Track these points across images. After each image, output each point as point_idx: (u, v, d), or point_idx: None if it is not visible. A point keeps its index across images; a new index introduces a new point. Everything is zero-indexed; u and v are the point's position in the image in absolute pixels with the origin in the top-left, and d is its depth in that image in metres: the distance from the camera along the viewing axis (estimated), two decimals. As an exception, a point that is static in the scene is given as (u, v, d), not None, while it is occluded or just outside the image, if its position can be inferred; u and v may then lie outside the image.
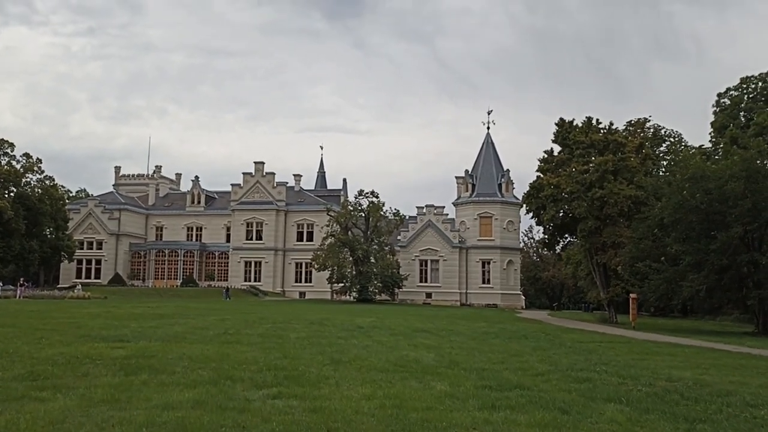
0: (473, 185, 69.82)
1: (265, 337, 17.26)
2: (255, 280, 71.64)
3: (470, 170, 71.00)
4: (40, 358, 11.58)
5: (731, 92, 56.06)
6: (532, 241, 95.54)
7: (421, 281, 68.45)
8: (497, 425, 7.44)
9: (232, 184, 75.67)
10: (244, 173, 75.32)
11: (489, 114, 75.90)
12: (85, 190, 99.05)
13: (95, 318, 22.80)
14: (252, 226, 73.62)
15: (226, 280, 71.63)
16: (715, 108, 57.34)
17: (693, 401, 9.51)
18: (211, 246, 75.52)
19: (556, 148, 44.36)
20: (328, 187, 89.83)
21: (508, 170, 70.55)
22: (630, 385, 10.76)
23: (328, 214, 63.51)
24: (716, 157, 44.43)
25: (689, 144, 59.16)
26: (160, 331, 17.75)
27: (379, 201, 62.92)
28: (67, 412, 7.36)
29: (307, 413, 7.67)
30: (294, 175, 78.86)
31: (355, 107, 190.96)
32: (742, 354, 18.52)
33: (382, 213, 62.57)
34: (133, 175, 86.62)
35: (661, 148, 59.02)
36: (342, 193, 78.76)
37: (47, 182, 63.28)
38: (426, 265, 68.94)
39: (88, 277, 72.52)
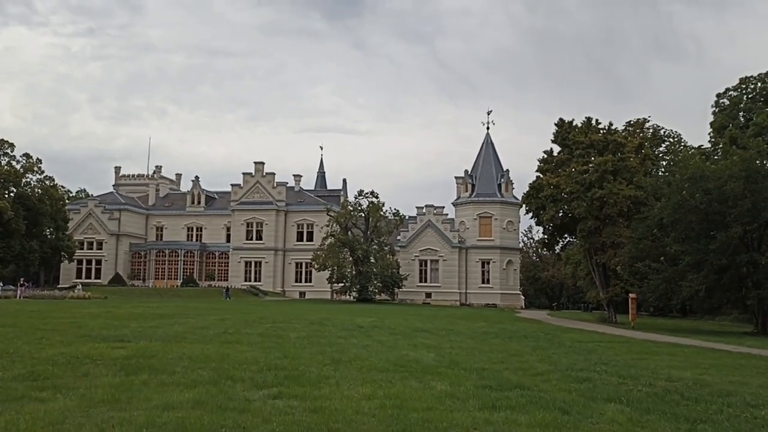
0: (473, 185, 69.83)
1: (266, 336, 17.26)
2: (255, 280, 71.64)
3: (470, 170, 71.02)
4: (40, 358, 11.58)
5: (730, 92, 56.05)
6: (531, 241, 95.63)
7: (420, 281, 68.46)
8: (498, 425, 7.44)
9: (232, 185, 75.67)
10: (244, 173, 75.32)
11: (489, 114, 76.17)
12: (85, 190, 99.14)
13: (95, 318, 22.80)
14: (252, 226, 73.62)
15: (227, 280, 71.63)
16: (714, 108, 57.34)
17: (693, 401, 9.51)
18: (211, 246, 75.53)
19: (556, 149, 44.37)
20: (328, 188, 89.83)
21: (507, 170, 70.59)
22: (630, 385, 10.77)
23: (328, 214, 63.51)
24: (715, 157, 44.45)
25: (689, 144, 59.20)
26: (161, 331, 17.75)
27: (379, 201, 62.97)
28: (67, 413, 7.36)
29: (307, 413, 7.67)
30: (294, 175, 78.95)
31: (355, 107, 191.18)
32: (741, 354, 18.53)
33: (381, 213, 62.58)
34: (133, 176, 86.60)
35: (661, 149, 59.00)
36: (342, 193, 78.76)
37: (47, 182, 63.26)
38: (426, 265, 68.95)
39: (88, 277, 72.49)
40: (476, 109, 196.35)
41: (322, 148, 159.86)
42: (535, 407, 8.48)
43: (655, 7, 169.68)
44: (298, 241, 73.46)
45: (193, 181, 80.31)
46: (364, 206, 62.97)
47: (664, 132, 61.50)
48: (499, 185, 69.41)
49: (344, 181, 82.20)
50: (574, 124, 43.38)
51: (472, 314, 41.12)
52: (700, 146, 54.71)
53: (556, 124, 43.90)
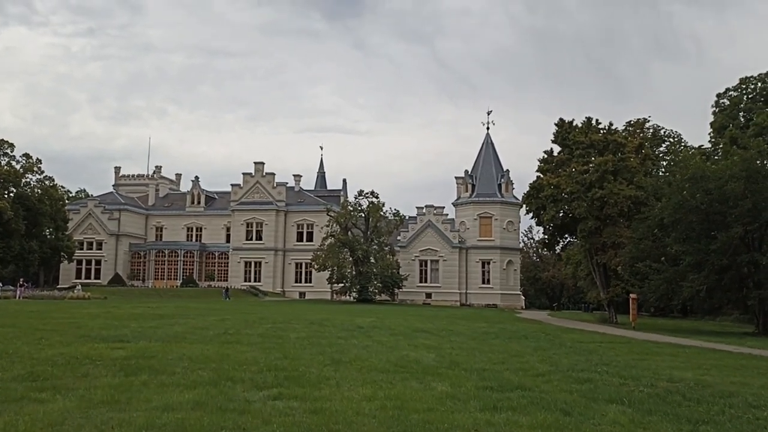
0: (473, 185, 69.82)
1: (265, 337, 17.23)
2: (255, 281, 71.61)
3: (470, 170, 71.01)
4: (39, 359, 11.54)
5: (731, 92, 56.02)
6: (531, 241, 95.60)
7: (420, 281, 68.44)
8: (499, 427, 7.41)
9: (232, 185, 75.65)
10: (244, 173, 75.32)
11: (489, 114, 76.14)
12: (84, 190, 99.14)
13: (95, 318, 22.76)
14: (252, 227, 73.59)
15: (226, 280, 71.63)
16: (714, 108, 57.30)
17: (695, 402, 9.47)
18: (211, 246, 75.50)
19: (556, 149, 44.30)
20: (328, 188, 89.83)
21: (507, 170, 70.58)
22: (631, 386, 10.73)
23: (328, 215, 63.47)
24: (716, 157, 44.40)
25: (689, 144, 59.17)
26: (160, 332, 17.72)
27: (379, 201, 62.96)
28: (66, 414, 7.32)
29: (307, 415, 7.64)
30: (294, 175, 78.98)
31: (355, 107, 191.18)
32: (743, 354, 18.48)
33: (382, 213, 62.56)
34: (132, 176, 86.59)
35: (661, 149, 58.97)
36: (342, 193, 78.74)
37: (47, 182, 63.22)
38: (426, 266, 68.92)
39: (87, 277, 72.45)
40: (476, 109, 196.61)
41: (322, 148, 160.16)
42: (536, 408, 8.44)
43: (655, 7, 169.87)
44: (298, 241, 73.44)
45: (192, 181, 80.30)
46: (364, 206, 62.96)
47: (665, 132, 61.49)
48: (500, 185, 69.39)
49: (344, 181, 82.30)
50: (574, 124, 43.32)
51: (473, 314, 41.09)
52: (700, 146, 54.67)
53: (556, 124, 43.85)
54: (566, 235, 46.77)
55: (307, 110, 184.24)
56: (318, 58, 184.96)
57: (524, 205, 46.57)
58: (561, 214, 42.08)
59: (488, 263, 67.93)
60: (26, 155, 62.04)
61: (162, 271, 72.90)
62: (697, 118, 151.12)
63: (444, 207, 70.92)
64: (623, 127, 44.79)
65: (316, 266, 62.11)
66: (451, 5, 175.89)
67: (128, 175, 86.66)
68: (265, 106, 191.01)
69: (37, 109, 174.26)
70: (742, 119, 53.35)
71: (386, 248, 62.97)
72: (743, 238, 31.82)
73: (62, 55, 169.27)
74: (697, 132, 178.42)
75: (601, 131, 42.55)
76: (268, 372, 10.72)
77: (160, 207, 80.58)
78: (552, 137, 44.10)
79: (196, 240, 76.87)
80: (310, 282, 71.40)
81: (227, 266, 73.82)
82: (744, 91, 55.03)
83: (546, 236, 47.18)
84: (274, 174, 74.89)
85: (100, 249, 74.41)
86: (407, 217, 67.72)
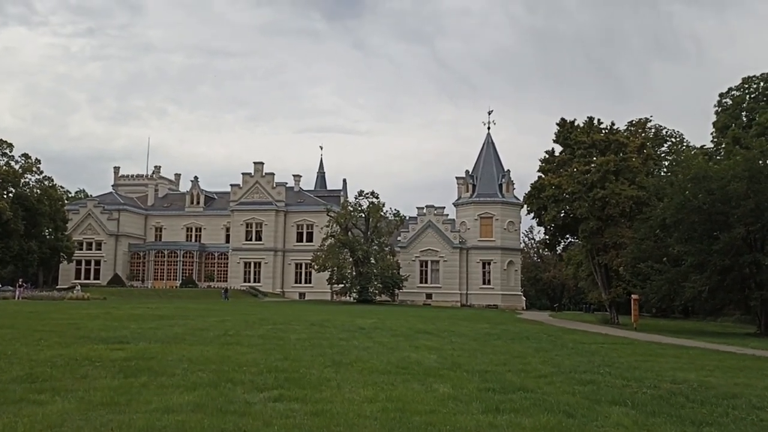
0: (474, 186, 69.75)
1: (266, 338, 17.16)
2: (254, 281, 71.55)
3: (470, 171, 70.95)
4: (38, 360, 11.48)
5: (733, 92, 55.98)
6: (532, 241, 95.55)
7: (421, 282, 68.38)
8: (502, 429, 7.34)
9: (231, 185, 75.58)
10: (243, 174, 75.27)
11: (489, 114, 76.45)
12: (84, 190, 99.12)
13: (94, 319, 22.69)
14: (251, 227, 73.53)
15: (226, 280, 71.60)
16: (716, 108, 57.27)
17: (699, 404, 9.42)
18: (211, 247, 75.43)
19: (558, 148, 44.18)
20: (328, 188, 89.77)
21: (508, 170, 70.52)
22: (634, 388, 10.67)
23: (328, 215, 63.39)
24: (718, 157, 44.32)
25: (691, 144, 59.12)
26: (160, 333, 17.65)
27: (379, 201, 62.88)
28: (65, 416, 7.26)
29: (308, 417, 7.57)
30: (294, 175, 78.92)
31: (354, 107, 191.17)
32: (746, 355, 18.41)
33: (382, 213, 62.47)
34: (132, 176, 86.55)
35: (663, 149, 58.94)
36: (342, 193, 78.67)
37: (46, 183, 63.15)
38: (426, 266, 68.86)
39: (87, 277, 72.37)
40: (476, 109, 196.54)
41: (321, 148, 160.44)
42: (539, 410, 8.38)
43: (655, 7, 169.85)
44: (297, 241, 73.38)
45: (192, 181, 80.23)
46: (365, 207, 62.88)
47: (666, 132, 61.46)
48: (500, 185, 69.32)
49: (344, 181, 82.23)
50: (576, 124, 43.23)
51: (474, 315, 41.01)
52: (702, 146, 54.61)
53: (557, 124, 43.76)
54: (567, 236, 46.67)
55: (307, 110, 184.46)
56: (318, 58, 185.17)
57: (525, 206, 46.48)
58: (562, 215, 41.98)
59: (489, 264, 67.87)
60: (25, 155, 61.98)
61: (161, 272, 72.83)
62: (697, 118, 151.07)
63: (444, 207, 70.96)
64: (625, 127, 44.69)
65: (316, 267, 62.03)
66: (451, 5, 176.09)
67: (127, 176, 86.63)
68: (265, 106, 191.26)
69: (36, 110, 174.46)
70: (745, 119, 53.31)
71: (386, 249, 62.89)
72: (746, 239, 31.74)
73: (62, 55, 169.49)
74: (698, 132, 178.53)
75: (603, 131, 42.46)
76: (269, 373, 10.66)
77: (159, 207, 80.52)
78: (553, 137, 44.00)
79: (196, 240, 76.81)
80: (310, 283, 71.33)
81: (227, 267, 73.76)
82: (747, 91, 54.98)
83: (547, 236, 47.09)
84: (273, 174, 74.86)
85: (100, 249, 74.36)
86: (407, 218, 67.65)
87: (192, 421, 7.13)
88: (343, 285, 61.36)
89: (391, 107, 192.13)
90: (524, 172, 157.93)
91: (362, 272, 60.13)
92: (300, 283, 72.42)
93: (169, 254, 73.49)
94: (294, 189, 76.69)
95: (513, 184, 70.44)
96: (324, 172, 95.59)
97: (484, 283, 67.60)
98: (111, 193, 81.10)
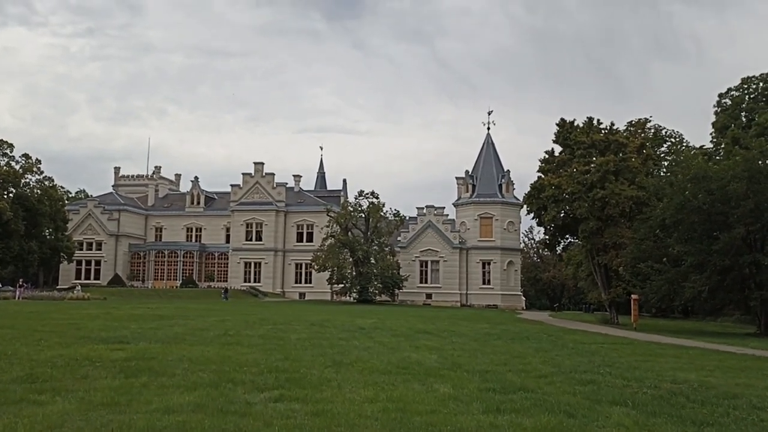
0: (473, 186, 69.76)
1: (266, 338, 17.16)
2: (255, 281, 71.54)
3: (470, 171, 70.95)
4: (38, 360, 11.47)
5: (732, 92, 55.97)
6: (532, 241, 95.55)
7: (421, 282, 68.37)
8: (503, 429, 7.34)
9: (231, 185, 75.57)
10: (243, 174, 75.24)
11: (489, 114, 76.22)
12: (84, 190, 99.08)
13: (95, 319, 22.68)
14: (252, 227, 73.53)
15: (226, 281, 71.58)
16: (716, 108, 57.26)
17: (699, 404, 9.43)
18: (211, 247, 75.42)
19: (557, 149, 44.19)
20: (328, 188, 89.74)
21: (508, 171, 70.52)
22: (635, 388, 10.67)
23: (328, 215, 63.38)
24: (718, 157, 44.32)
25: (690, 144, 59.10)
26: (160, 333, 17.64)
27: (379, 201, 62.88)
28: (66, 416, 7.26)
29: (309, 417, 7.57)
30: (294, 175, 78.88)
31: (354, 108, 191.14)
32: (746, 356, 18.41)
33: (382, 214, 62.47)
34: (132, 176, 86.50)
35: (663, 149, 58.89)
36: (342, 193, 78.67)
37: (46, 183, 63.12)
38: (426, 266, 68.86)
39: (87, 278, 72.35)
40: (476, 109, 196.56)
41: (321, 149, 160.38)
42: (539, 410, 8.38)
43: (655, 7, 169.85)
44: (297, 241, 73.38)
45: (192, 181, 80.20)
46: (365, 207, 62.88)
47: (666, 132, 61.42)
48: (500, 186, 69.32)
49: (344, 181, 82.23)
50: (575, 124, 43.25)
51: (474, 315, 41.01)
52: (702, 146, 54.59)
53: (557, 124, 43.77)
54: (567, 236, 46.66)
55: (307, 110, 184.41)
56: (318, 58, 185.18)
57: (525, 206, 46.49)
58: (562, 215, 41.99)
59: (489, 264, 67.87)
60: (25, 155, 61.95)
61: (162, 272, 72.82)
62: (697, 118, 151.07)
63: (444, 207, 70.93)
64: (624, 127, 44.71)
65: (316, 267, 62.03)
66: (451, 5, 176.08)
67: (128, 176, 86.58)
68: (264, 106, 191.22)
69: (36, 110, 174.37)
70: (744, 119, 53.30)
71: (386, 249, 62.89)
72: (745, 239, 31.76)
73: (61, 55, 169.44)
74: (697, 132, 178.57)
75: (603, 131, 42.47)
76: (269, 374, 10.66)
77: (159, 207, 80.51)
78: (553, 137, 44.03)
79: (196, 240, 76.79)
80: (310, 283, 71.33)
81: (227, 267, 73.74)
82: (746, 91, 54.98)
83: (547, 237, 47.10)
84: (273, 174, 74.85)
85: (100, 249, 74.34)
86: (407, 218, 67.64)
87: (193, 421, 7.13)
88: (343, 285, 61.36)
89: (391, 107, 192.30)
90: (524, 173, 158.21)
91: (362, 272, 60.13)
92: (300, 283, 72.41)
93: (169, 254, 73.48)
94: (294, 189, 76.68)
95: (513, 184, 70.46)
96: (324, 172, 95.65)
97: (483, 283, 67.61)
98: (111, 193, 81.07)
